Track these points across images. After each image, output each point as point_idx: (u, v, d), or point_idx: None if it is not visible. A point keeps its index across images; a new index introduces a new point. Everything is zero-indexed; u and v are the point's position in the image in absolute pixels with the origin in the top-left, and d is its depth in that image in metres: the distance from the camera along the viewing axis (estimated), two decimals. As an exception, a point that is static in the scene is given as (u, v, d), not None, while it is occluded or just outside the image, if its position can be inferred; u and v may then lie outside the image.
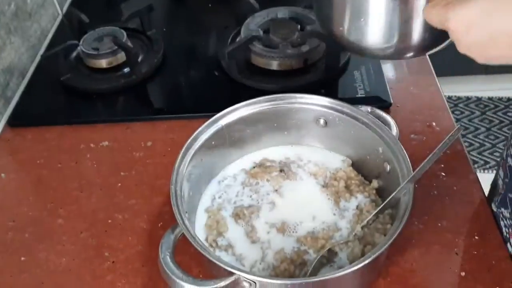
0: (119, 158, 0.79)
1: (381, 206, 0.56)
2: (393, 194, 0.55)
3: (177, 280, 0.49)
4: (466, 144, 1.95)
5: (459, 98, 2.13)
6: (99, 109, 0.88)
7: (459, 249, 0.62)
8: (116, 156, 0.79)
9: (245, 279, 0.48)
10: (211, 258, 0.49)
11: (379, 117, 0.64)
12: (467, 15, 0.41)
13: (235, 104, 0.66)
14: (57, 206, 0.72)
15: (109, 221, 0.70)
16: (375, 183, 0.63)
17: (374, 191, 0.63)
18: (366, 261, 0.48)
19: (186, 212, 0.57)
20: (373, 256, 0.48)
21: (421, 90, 0.85)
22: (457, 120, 2.04)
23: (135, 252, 0.66)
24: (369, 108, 0.66)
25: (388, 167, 0.60)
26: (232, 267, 0.49)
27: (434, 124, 0.79)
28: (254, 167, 0.68)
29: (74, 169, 0.77)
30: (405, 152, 0.58)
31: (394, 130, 0.62)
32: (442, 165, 0.73)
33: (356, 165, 0.67)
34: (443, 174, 0.72)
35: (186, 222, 0.54)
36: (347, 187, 0.63)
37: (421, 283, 0.60)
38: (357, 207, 0.62)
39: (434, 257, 0.62)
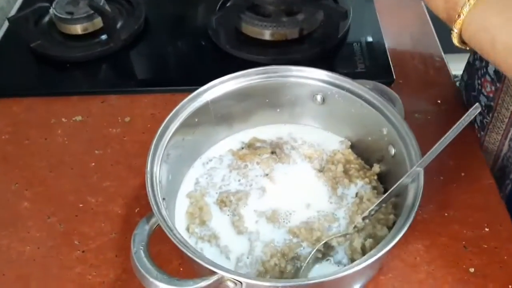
0: (94, 134, 0.71)
1: (387, 194, 0.50)
2: (400, 180, 0.48)
3: (151, 279, 0.43)
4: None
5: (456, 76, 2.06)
6: (73, 80, 0.79)
7: (468, 242, 0.57)
8: (90, 132, 0.71)
9: (229, 278, 0.42)
10: (190, 255, 0.43)
11: (383, 94, 0.57)
12: None
13: (222, 77, 0.58)
14: (22, 188, 0.65)
15: (80, 205, 0.63)
16: (376, 168, 0.57)
17: (376, 177, 0.57)
18: (369, 261, 0.41)
19: (164, 198, 0.50)
20: (378, 255, 0.42)
21: (427, 66, 0.78)
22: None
23: (108, 241, 0.59)
24: (372, 83, 0.59)
25: (393, 151, 0.53)
26: (215, 265, 0.42)
27: (439, 101, 0.73)
28: (242, 148, 0.61)
29: (43, 146, 0.70)
30: (413, 134, 0.51)
31: (401, 109, 0.55)
32: (448, 148, 0.66)
33: (356, 148, 0.60)
34: (451, 161, 0.65)
35: (163, 211, 0.47)
36: (345, 172, 0.57)
37: (425, 279, 0.54)
38: (356, 194, 0.55)
39: (439, 250, 0.56)
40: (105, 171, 0.66)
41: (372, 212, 0.51)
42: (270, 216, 0.54)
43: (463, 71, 0.75)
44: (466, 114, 0.47)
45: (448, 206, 0.60)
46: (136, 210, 0.62)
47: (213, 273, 0.42)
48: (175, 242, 0.44)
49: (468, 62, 0.72)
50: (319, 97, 0.59)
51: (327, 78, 0.57)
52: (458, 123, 0.47)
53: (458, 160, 0.64)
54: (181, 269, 0.56)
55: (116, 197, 0.63)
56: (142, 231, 0.46)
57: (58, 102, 0.76)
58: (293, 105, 0.62)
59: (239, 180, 0.57)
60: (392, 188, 0.49)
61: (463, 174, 0.63)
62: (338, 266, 0.50)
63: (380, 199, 0.50)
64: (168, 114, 0.72)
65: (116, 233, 0.60)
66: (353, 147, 0.60)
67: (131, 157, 0.68)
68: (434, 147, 0.48)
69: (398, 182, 0.48)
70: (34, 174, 0.66)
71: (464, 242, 0.57)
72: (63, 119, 0.73)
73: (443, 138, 0.47)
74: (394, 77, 0.75)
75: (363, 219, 0.50)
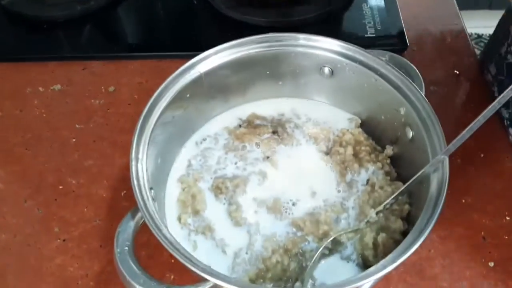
0: (74, 106, 0.64)
1: (405, 186, 0.44)
2: (423, 170, 0.42)
3: (137, 286, 0.37)
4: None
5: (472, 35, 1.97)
6: (50, 43, 0.71)
7: (487, 233, 0.52)
8: (70, 104, 0.64)
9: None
10: (181, 260, 0.37)
11: (400, 67, 0.50)
12: None
13: (218, 44, 0.51)
14: (-5, 166, 0.58)
15: (60, 187, 0.57)
16: (389, 150, 0.51)
17: (388, 161, 0.51)
18: (390, 268, 0.36)
19: (151, 188, 0.44)
20: (399, 262, 0.36)
21: (443, 31, 0.71)
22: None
23: (91, 228, 0.53)
24: (388, 55, 0.52)
25: (411, 133, 0.47)
26: (207, 272, 0.37)
27: (457, 72, 0.66)
28: (240, 126, 0.54)
29: (18, 119, 0.63)
30: (436, 117, 0.45)
31: (420, 86, 0.49)
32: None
33: (366, 126, 0.54)
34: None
35: (150, 206, 0.41)
36: (355, 155, 0.51)
37: (440, 274, 0.49)
38: (367, 181, 0.49)
39: (456, 242, 0.51)
40: (87, 148, 0.60)
41: (387, 206, 0.45)
42: (271, 206, 0.48)
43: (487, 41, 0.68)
44: (501, 96, 0.40)
45: (466, 192, 0.54)
46: (122, 193, 0.56)
47: (205, 279, 0.37)
48: (164, 244, 0.38)
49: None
50: (327, 70, 0.52)
51: (338, 48, 0.50)
52: (490, 106, 0.40)
53: (477, 139, 0.58)
54: (172, 260, 0.51)
55: (100, 178, 0.57)
56: (126, 228, 0.41)
57: (34, 69, 0.68)
58: (296, 78, 0.55)
59: (236, 163, 0.51)
60: (413, 179, 0.43)
61: (482, 155, 0.57)
62: (348, 262, 0.45)
63: (397, 192, 0.44)
64: (156, 83, 0.65)
65: (100, 220, 0.54)
66: (362, 125, 0.54)
67: (116, 132, 0.61)
68: (462, 133, 0.41)
69: (420, 172, 0.43)
70: (8, 152, 0.60)
71: (483, 233, 0.52)
72: (40, 89, 0.66)
73: (473, 123, 0.41)
74: (408, 43, 0.67)
75: (377, 213, 0.45)
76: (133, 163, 0.43)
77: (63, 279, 0.50)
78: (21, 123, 0.62)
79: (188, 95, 0.51)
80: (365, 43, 0.67)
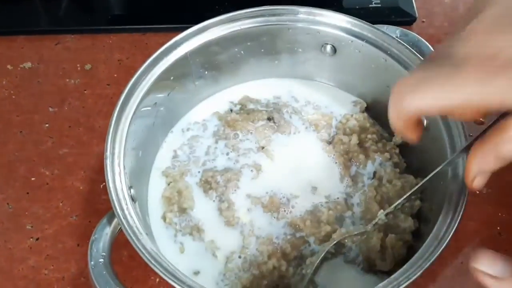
0: (47, 86, 0.58)
1: (418, 185, 0.39)
2: (439, 168, 0.37)
3: None
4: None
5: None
6: (19, 15, 0.64)
7: (503, 227, 0.47)
8: (42, 84, 0.58)
9: None
10: (163, 276, 0.32)
11: (413, 45, 0.44)
12: None
13: (208, 16, 0.45)
14: (-41, 156, 0.53)
15: (33, 178, 0.51)
16: (398, 138, 0.46)
17: (397, 150, 0.46)
18: (414, 277, 0.31)
19: (131, 187, 0.39)
20: (414, 278, 0.32)
21: (455, 0, 0.65)
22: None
23: (67, 225, 0.48)
24: (399, 31, 0.46)
25: (425, 122, 0.42)
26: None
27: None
28: (231, 111, 0.49)
29: (-16, 102, 0.57)
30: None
31: None
32: (481, 108, 0.55)
33: (372, 111, 0.48)
34: (481, 119, 0.54)
35: (129, 210, 0.36)
36: (360, 144, 0.45)
37: (453, 276, 0.45)
38: (374, 174, 0.44)
39: (469, 238, 0.47)
40: (61, 134, 0.54)
41: (399, 207, 0.40)
42: (267, 204, 0.43)
43: None
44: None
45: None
46: (101, 186, 0.50)
47: None
48: (143, 257, 0.33)
49: None
50: (329, 47, 0.46)
51: (342, 24, 0.44)
52: None
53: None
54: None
55: (76, 169, 0.52)
56: (102, 236, 0.36)
57: (2, 44, 0.61)
58: (295, 56, 0.49)
59: (227, 154, 0.46)
60: (427, 178, 0.38)
61: (498, 140, 0.52)
62: (352, 265, 0.41)
63: (410, 192, 0.39)
64: (139, 60, 0.60)
65: (77, 216, 0.49)
66: (368, 109, 0.49)
67: (94, 117, 0.55)
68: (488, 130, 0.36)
69: (436, 170, 0.37)
70: (-27, 139, 0.54)
71: (498, 227, 0.47)
72: (8, 67, 0.59)
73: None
74: (416, 15, 0.61)
75: (387, 215, 0.40)
76: (109, 160, 0.37)
77: (37, 283, 0.45)
78: (-13, 106, 0.56)
79: (172, 77, 0.45)
80: (369, 14, 0.61)
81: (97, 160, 0.52)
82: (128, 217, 0.35)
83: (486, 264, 0.27)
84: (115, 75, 0.58)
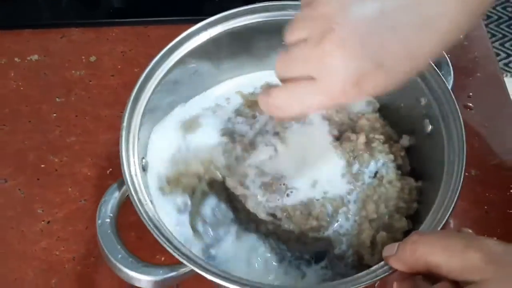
0: (53, 78, 0.60)
1: None
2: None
3: (114, 261, 0.36)
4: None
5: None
6: (25, 9, 0.66)
7: (490, 207, 0.50)
8: (49, 76, 0.60)
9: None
10: (161, 243, 0.35)
11: None
12: None
13: (210, 9, 0.48)
14: (-29, 145, 0.55)
15: (42, 165, 0.54)
16: (405, 141, 0.47)
17: (403, 153, 0.47)
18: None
19: (143, 158, 0.41)
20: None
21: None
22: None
23: (76, 209, 0.51)
24: None
25: (430, 127, 0.43)
26: (185, 257, 0.34)
27: (461, 36, 0.62)
28: (253, 93, 0.51)
29: (-7, 93, 0.59)
30: (460, 115, 0.41)
31: (448, 75, 0.45)
32: (471, 94, 0.57)
33: (383, 112, 0.50)
34: (471, 105, 0.56)
35: (137, 179, 0.39)
36: (368, 143, 0.47)
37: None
38: (375, 174, 0.45)
39: (459, 217, 0.49)
40: (69, 123, 0.57)
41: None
42: (269, 182, 0.45)
43: None
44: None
45: (469, 164, 0.52)
46: (108, 171, 0.53)
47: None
48: (143, 219, 0.36)
49: None
50: None
51: None
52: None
53: (480, 108, 0.56)
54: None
55: (83, 156, 0.54)
56: (111, 199, 0.39)
57: (8, 38, 0.64)
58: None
59: (250, 127, 0.48)
60: None
61: (486, 124, 0.55)
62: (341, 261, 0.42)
63: None
64: (142, 51, 0.62)
65: (85, 200, 0.51)
66: (380, 109, 0.50)
67: (100, 106, 0.58)
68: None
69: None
70: (-16, 129, 0.56)
71: (486, 207, 0.50)
72: (16, 59, 0.62)
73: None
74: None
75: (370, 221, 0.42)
76: (124, 131, 0.40)
77: (49, 263, 0.48)
78: (-4, 97, 0.59)
79: (194, 61, 0.46)
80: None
81: (104, 147, 0.55)
82: (136, 184, 0.38)
83: (386, 251, 0.33)
84: (119, 67, 0.61)
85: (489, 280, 0.26)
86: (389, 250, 0.32)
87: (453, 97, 0.41)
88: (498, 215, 0.49)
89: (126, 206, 0.39)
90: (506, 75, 1.61)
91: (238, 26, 0.47)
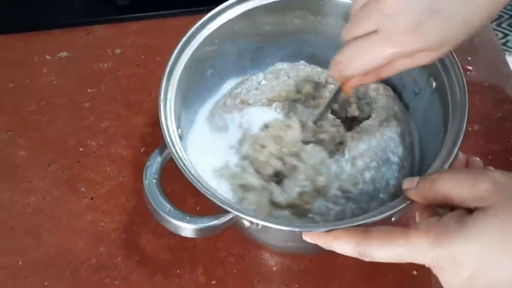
0: (83, 71, 0.65)
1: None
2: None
3: (162, 214, 0.40)
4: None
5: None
6: (51, 10, 0.71)
7: (494, 156, 0.54)
8: (79, 69, 0.65)
9: (244, 218, 0.39)
10: (204, 192, 0.39)
11: None
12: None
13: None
14: (15, 135, 0.60)
15: (81, 149, 0.58)
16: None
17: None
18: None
19: (178, 128, 0.46)
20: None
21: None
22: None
23: (116, 185, 0.56)
24: None
25: (434, 84, 0.48)
26: (228, 204, 0.39)
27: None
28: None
29: (29, 88, 0.64)
30: (461, 70, 0.45)
31: None
32: (469, 58, 0.62)
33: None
34: (470, 68, 0.61)
35: (177, 142, 0.43)
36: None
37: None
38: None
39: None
40: (101, 110, 0.61)
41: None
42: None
43: None
44: None
45: (472, 120, 0.56)
46: (142, 150, 0.58)
47: (228, 211, 0.39)
48: (188, 178, 0.40)
49: None
50: None
51: None
52: None
53: (480, 70, 0.60)
54: (198, 208, 0.53)
55: (118, 138, 0.59)
56: (154, 163, 0.43)
57: (39, 38, 0.69)
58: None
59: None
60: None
61: (486, 84, 0.59)
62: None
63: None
64: (162, 41, 0.67)
65: (124, 176, 0.56)
66: None
67: (128, 93, 0.63)
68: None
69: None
70: (25, 120, 0.61)
71: (490, 157, 0.54)
72: (47, 57, 0.67)
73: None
74: None
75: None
76: (162, 103, 0.44)
77: (96, 234, 0.52)
78: (33, 92, 0.64)
79: (218, 39, 0.51)
80: None
81: (135, 129, 0.59)
82: (177, 147, 0.42)
83: (406, 184, 0.37)
84: (143, 57, 0.66)
85: (494, 205, 0.31)
86: (409, 183, 0.36)
87: (453, 53, 0.46)
88: (501, 163, 0.54)
89: (163, 177, 0.44)
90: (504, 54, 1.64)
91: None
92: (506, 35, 1.70)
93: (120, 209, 0.54)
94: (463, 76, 0.44)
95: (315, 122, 0.49)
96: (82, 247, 0.52)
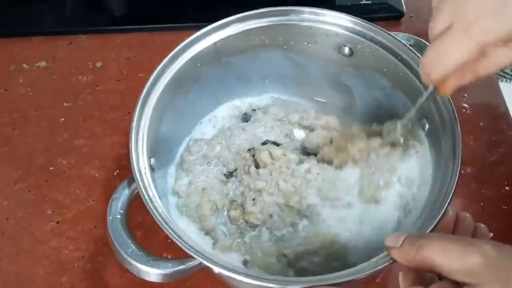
0: (61, 83, 0.62)
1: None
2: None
3: (124, 255, 0.37)
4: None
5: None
6: (33, 17, 0.68)
7: (486, 203, 0.51)
8: (56, 81, 0.62)
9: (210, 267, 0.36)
10: (170, 236, 0.37)
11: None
12: None
13: (212, 14, 0.49)
14: (-18, 148, 0.57)
15: (51, 168, 0.55)
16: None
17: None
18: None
19: (151, 157, 0.42)
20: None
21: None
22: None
23: (85, 209, 0.52)
24: (413, 39, 0.49)
25: (427, 126, 0.45)
26: (193, 250, 0.36)
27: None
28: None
29: (3, 99, 0.61)
30: (455, 111, 0.42)
31: None
32: (466, 95, 0.59)
33: (380, 110, 0.51)
34: (466, 106, 0.58)
35: (147, 176, 0.40)
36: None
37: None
38: None
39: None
40: (76, 127, 0.58)
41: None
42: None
43: None
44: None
45: (465, 162, 0.53)
46: (115, 173, 0.55)
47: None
48: (152, 214, 0.37)
49: None
50: (346, 49, 0.49)
51: (353, 26, 0.47)
52: None
53: (475, 109, 0.58)
54: (169, 240, 0.50)
55: (91, 158, 0.56)
56: (121, 196, 0.40)
57: (17, 45, 0.65)
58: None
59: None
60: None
61: (481, 124, 0.57)
62: None
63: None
64: (147, 57, 0.64)
65: (93, 200, 0.53)
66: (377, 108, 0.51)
67: (106, 110, 0.59)
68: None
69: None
70: (-6, 133, 0.58)
71: (482, 203, 0.51)
72: (25, 66, 0.63)
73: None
74: (404, 10, 0.65)
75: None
76: (134, 131, 0.41)
77: (59, 262, 0.49)
78: (6, 103, 0.60)
79: (199, 64, 0.48)
80: (360, 10, 0.65)
81: (111, 149, 0.56)
82: (145, 181, 0.39)
83: (390, 241, 0.34)
84: (125, 72, 0.62)
85: (483, 283, 0.28)
86: (393, 241, 0.33)
87: (449, 96, 0.43)
88: (493, 211, 0.51)
89: (133, 206, 0.41)
90: (501, 80, 1.62)
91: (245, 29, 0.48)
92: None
93: (86, 236, 0.51)
94: (458, 124, 0.41)
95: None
96: (43, 276, 0.48)
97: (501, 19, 0.31)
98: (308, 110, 0.53)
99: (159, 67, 0.45)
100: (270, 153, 0.47)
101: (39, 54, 0.64)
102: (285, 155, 0.47)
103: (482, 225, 0.39)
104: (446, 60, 0.33)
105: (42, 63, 0.64)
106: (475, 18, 0.31)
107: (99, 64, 0.63)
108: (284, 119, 0.52)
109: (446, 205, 0.37)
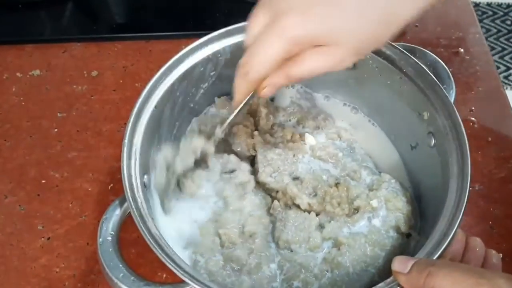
0: (55, 93, 0.60)
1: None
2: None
3: (115, 280, 0.36)
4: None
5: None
6: (27, 24, 0.67)
7: (494, 222, 0.49)
8: (50, 91, 0.60)
9: None
10: (162, 259, 0.35)
11: (432, 67, 0.46)
12: None
13: (205, 26, 0.47)
14: (-28, 160, 0.55)
15: (43, 181, 0.53)
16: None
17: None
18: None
19: (144, 174, 0.41)
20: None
21: (447, 2, 0.67)
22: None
23: (76, 225, 0.50)
24: (420, 51, 0.48)
25: (433, 141, 0.43)
26: (187, 275, 0.34)
27: (462, 50, 0.62)
28: None
29: (-6, 108, 0.59)
30: (463, 129, 0.40)
31: (450, 90, 0.44)
32: (473, 108, 0.57)
33: (385, 126, 0.50)
34: (474, 120, 0.56)
35: (139, 195, 0.38)
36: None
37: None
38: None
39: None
40: (70, 138, 0.56)
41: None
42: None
43: None
44: None
45: (473, 179, 0.51)
46: (109, 187, 0.53)
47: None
48: (145, 237, 0.35)
49: None
50: None
51: None
52: None
53: (483, 121, 0.56)
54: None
55: (84, 171, 0.54)
56: (112, 216, 0.38)
57: (10, 53, 0.64)
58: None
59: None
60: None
61: (489, 139, 0.55)
62: None
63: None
64: (143, 66, 0.62)
65: (86, 216, 0.51)
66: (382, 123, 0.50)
67: (101, 121, 0.58)
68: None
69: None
70: (-15, 144, 0.56)
71: (490, 222, 0.49)
72: (18, 74, 0.62)
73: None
74: (409, 19, 0.64)
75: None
76: (126, 148, 0.39)
77: (49, 280, 0.47)
78: (-2, 112, 0.58)
79: (195, 77, 0.46)
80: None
81: (105, 162, 0.54)
82: (138, 201, 0.37)
83: (397, 265, 0.33)
84: (121, 81, 0.61)
85: None
86: (401, 265, 0.32)
87: (456, 111, 0.41)
88: (503, 231, 0.49)
89: (128, 223, 0.39)
90: (506, 88, 1.61)
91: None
92: (508, 68, 1.66)
93: (78, 253, 0.49)
94: (466, 139, 0.39)
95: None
96: (31, 295, 0.46)
97: (307, 16, 0.31)
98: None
99: (152, 81, 0.43)
100: None
101: (33, 62, 0.63)
102: None
103: (494, 251, 0.37)
104: (261, 58, 0.33)
105: (36, 72, 0.62)
106: (284, 13, 0.31)
107: (94, 73, 0.61)
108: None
109: (455, 227, 0.35)
